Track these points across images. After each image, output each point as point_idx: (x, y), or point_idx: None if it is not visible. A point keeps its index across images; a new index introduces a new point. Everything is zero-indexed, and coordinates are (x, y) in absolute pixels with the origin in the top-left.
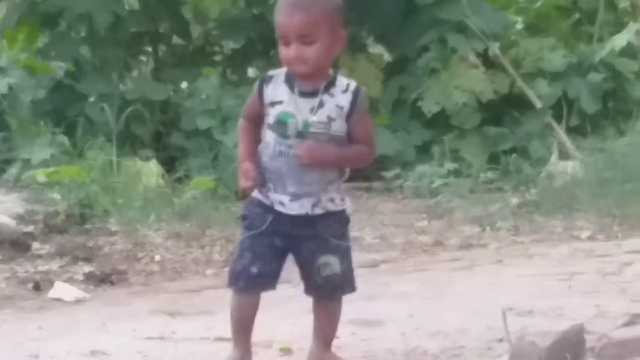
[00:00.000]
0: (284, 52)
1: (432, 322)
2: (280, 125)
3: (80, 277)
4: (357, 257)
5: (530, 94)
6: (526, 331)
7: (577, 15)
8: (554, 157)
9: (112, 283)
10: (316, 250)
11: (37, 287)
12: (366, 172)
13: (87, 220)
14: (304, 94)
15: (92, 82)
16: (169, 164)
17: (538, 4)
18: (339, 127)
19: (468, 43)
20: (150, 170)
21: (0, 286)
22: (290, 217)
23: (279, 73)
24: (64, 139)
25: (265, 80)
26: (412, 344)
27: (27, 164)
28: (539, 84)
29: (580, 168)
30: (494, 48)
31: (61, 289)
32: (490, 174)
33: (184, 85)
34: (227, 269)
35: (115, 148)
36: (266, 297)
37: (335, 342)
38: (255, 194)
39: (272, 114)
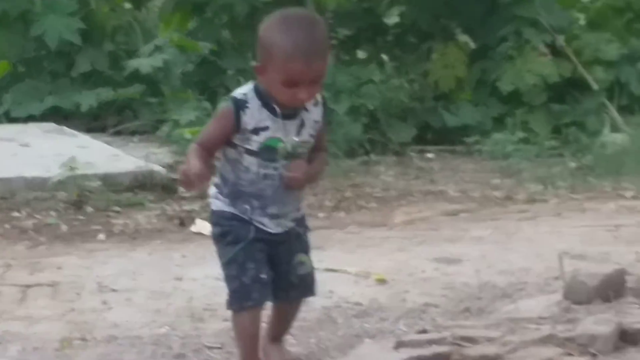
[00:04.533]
0: (290, 93)
1: (501, 262)
2: (268, 150)
3: None
4: (441, 207)
5: (589, 78)
6: (578, 272)
7: (630, 14)
8: (606, 130)
9: None
10: (292, 249)
11: (181, 223)
12: (451, 137)
13: None
14: (287, 117)
15: (231, 59)
16: None
17: (597, 4)
18: (313, 140)
19: (539, 35)
20: None
21: (152, 221)
22: (270, 233)
23: (249, 97)
24: (207, 105)
25: (240, 107)
26: (485, 279)
27: (176, 123)
28: (596, 70)
29: (627, 140)
30: (560, 40)
31: (201, 225)
32: (553, 142)
33: None
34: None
35: None
36: (363, 237)
37: (420, 275)
38: (225, 208)
39: (256, 140)
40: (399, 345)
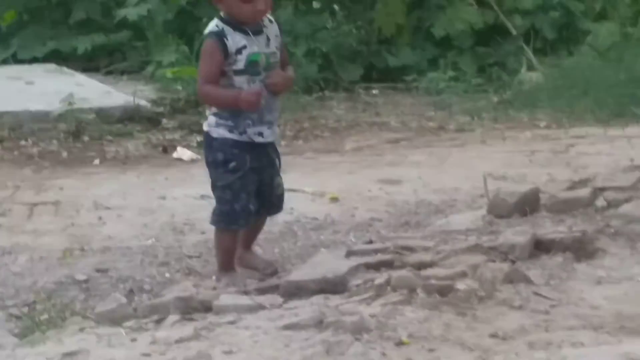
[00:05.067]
0: (249, 7)
1: (435, 183)
2: (253, 65)
3: (194, 144)
4: (385, 136)
5: (509, 25)
6: (499, 191)
7: None
8: (523, 69)
9: None
10: (273, 174)
11: (164, 150)
12: (393, 76)
13: (200, 105)
14: (255, 33)
15: (204, 8)
16: None
17: None
18: (279, 53)
19: None
20: None
21: (139, 149)
22: (265, 145)
23: (220, 26)
24: (185, 48)
25: (221, 36)
26: (421, 197)
27: (159, 64)
28: (515, 18)
29: (541, 77)
30: None
31: (181, 152)
32: (479, 80)
33: None
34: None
35: None
36: (319, 162)
37: (367, 194)
38: (227, 134)
39: (240, 60)
40: (349, 254)
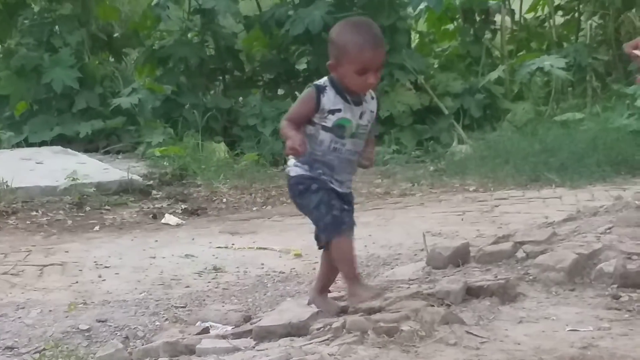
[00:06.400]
0: (361, 79)
1: (382, 239)
2: (340, 128)
3: (180, 211)
4: None
5: (441, 106)
6: (436, 246)
7: (469, 60)
8: (454, 143)
9: (198, 215)
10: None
11: (154, 217)
12: None
13: (184, 178)
14: (355, 103)
15: (187, 97)
16: (231, 145)
17: (447, 52)
18: (369, 127)
19: (406, 76)
20: (220, 149)
21: (133, 216)
22: (339, 192)
23: (326, 86)
24: (170, 130)
25: (320, 91)
26: (371, 252)
27: (149, 144)
28: (446, 100)
29: (470, 149)
30: (421, 79)
31: (168, 218)
32: (418, 152)
33: (240, 99)
34: (259, 213)
35: (200, 136)
36: (285, 224)
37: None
38: (304, 172)
39: (331, 119)
40: (311, 302)
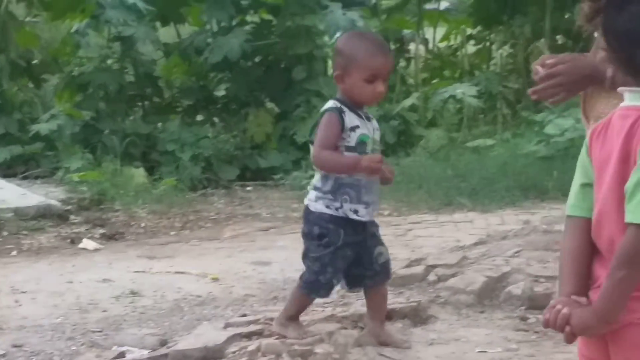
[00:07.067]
0: (370, 88)
1: (299, 263)
2: (362, 145)
3: (98, 236)
4: (257, 225)
5: None
6: None
7: None
8: None
9: (116, 239)
10: (372, 244)
11: (72, 242)
12: (263, 175)
13: (102, 203)
14: (367, 119)
15: (106, 123)
16: (150, 170)
17: None
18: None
19: (323, 102)
20: (139, 174)
21: (51, 241)
22: (361, 223)
23: (338, 105)
24: (89, 156)
25: (340, 111)
26: (287, 275)
27: (67, 170)
28: None
29: None
30: None
31: (86, 242)
32: None
33: (159, 125)
34: (177, 237)
35: (119, 161)
36: (202, 248)
37: (242, 274)
38: (325, 210)
39: (353, 137)
40: (227, 325)
